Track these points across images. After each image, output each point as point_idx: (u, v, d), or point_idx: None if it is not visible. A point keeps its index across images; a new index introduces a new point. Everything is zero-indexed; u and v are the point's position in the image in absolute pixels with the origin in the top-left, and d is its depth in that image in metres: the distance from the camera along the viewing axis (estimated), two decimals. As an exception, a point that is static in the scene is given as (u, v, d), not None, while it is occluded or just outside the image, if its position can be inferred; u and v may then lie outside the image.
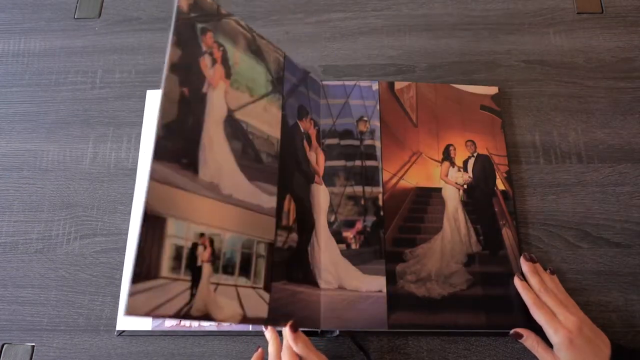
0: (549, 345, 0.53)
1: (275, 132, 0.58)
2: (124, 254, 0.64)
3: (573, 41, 0.74)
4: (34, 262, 0.65)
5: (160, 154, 0.46)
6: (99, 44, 0.76)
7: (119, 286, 0.62)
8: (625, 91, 0.70)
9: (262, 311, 0.52)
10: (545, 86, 0.71)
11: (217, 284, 0.49)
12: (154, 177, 0.45)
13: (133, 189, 0.67)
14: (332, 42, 0.75)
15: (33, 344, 0.61)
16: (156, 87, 0.72)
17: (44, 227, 0.66)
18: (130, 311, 0.42)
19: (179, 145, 0.48)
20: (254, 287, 0.52)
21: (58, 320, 0.62)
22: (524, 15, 0.76)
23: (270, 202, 0.55)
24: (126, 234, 0.65)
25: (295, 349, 0.52)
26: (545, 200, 0.65)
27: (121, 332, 0.60)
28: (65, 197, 0.68)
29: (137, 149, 0.69)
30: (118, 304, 0.62)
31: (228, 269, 0.50)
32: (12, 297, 0.63)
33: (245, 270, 0.51)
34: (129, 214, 0.66)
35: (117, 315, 0.61)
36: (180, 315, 0.46)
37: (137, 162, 0.68)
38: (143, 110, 0.71)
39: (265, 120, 0.57)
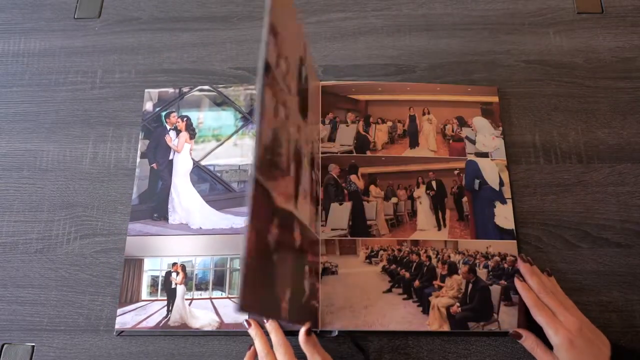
0: (549, 346, 0.53)
1: (248, 159, 0.67)
2: (124, 254, 0.64)
3: (573, 41, 0.74)
4: (34, 262, 0.65)
5: (135, 216, 0.65)
6: (99, 44, 0.76)
7: (118, 286, 0.62)
8: (625, 91, 0.70)
9: (242, 318, 0.59)
10: (545, 86, 0.71)
11: (192, 299, 0.61)
12: (130, 234, 0.64)
13: (133, 189, 0.67)
14: (332, 42, 0.75)
15: (33, 344, 0.61)
16: (156, 87, 0.72)
17: (44, 227, 0.66)
18: (120, 326, 0.59)
19: (151, 206, 0.65)
20: (229, 298, 0.61)
21: (58, 320, 0.62)
22: (524, 15, 0.76)
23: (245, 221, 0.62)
24: (126, 234, 0.64)
25: (303, 347, 0.54)
26: (545, 200, 0.65)
27: (121, 332, 0.60)
28: (65, 197, 0.68)
29: (137, 149, 0.69)
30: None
31: (201, 286, 0.61)
32: (12, 297, 0.63)
33: (219, 285, 0.61)
34: (129, 214, 0.66)
35: (116, 315, 0.61)
36: (160, 326, 0.59)
37: (137, 162, 0.68)
38: (143, 110, 0.71)
39: (236, 153, 0.68)
